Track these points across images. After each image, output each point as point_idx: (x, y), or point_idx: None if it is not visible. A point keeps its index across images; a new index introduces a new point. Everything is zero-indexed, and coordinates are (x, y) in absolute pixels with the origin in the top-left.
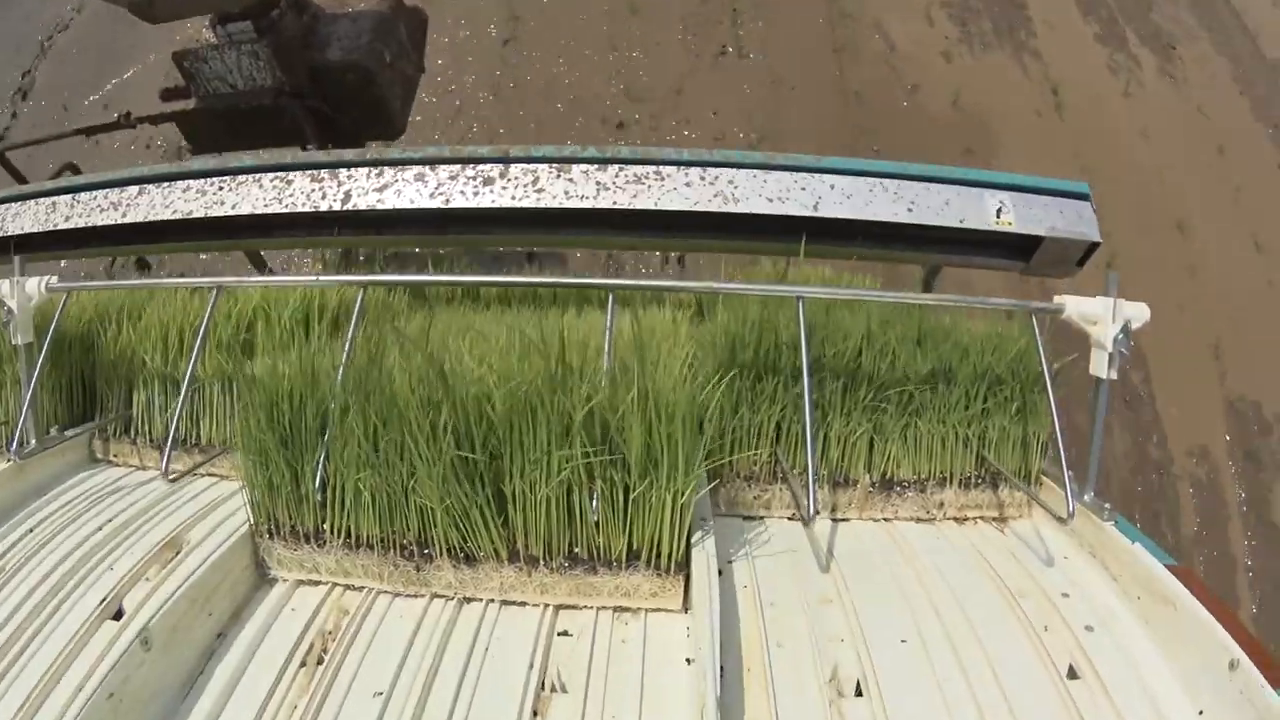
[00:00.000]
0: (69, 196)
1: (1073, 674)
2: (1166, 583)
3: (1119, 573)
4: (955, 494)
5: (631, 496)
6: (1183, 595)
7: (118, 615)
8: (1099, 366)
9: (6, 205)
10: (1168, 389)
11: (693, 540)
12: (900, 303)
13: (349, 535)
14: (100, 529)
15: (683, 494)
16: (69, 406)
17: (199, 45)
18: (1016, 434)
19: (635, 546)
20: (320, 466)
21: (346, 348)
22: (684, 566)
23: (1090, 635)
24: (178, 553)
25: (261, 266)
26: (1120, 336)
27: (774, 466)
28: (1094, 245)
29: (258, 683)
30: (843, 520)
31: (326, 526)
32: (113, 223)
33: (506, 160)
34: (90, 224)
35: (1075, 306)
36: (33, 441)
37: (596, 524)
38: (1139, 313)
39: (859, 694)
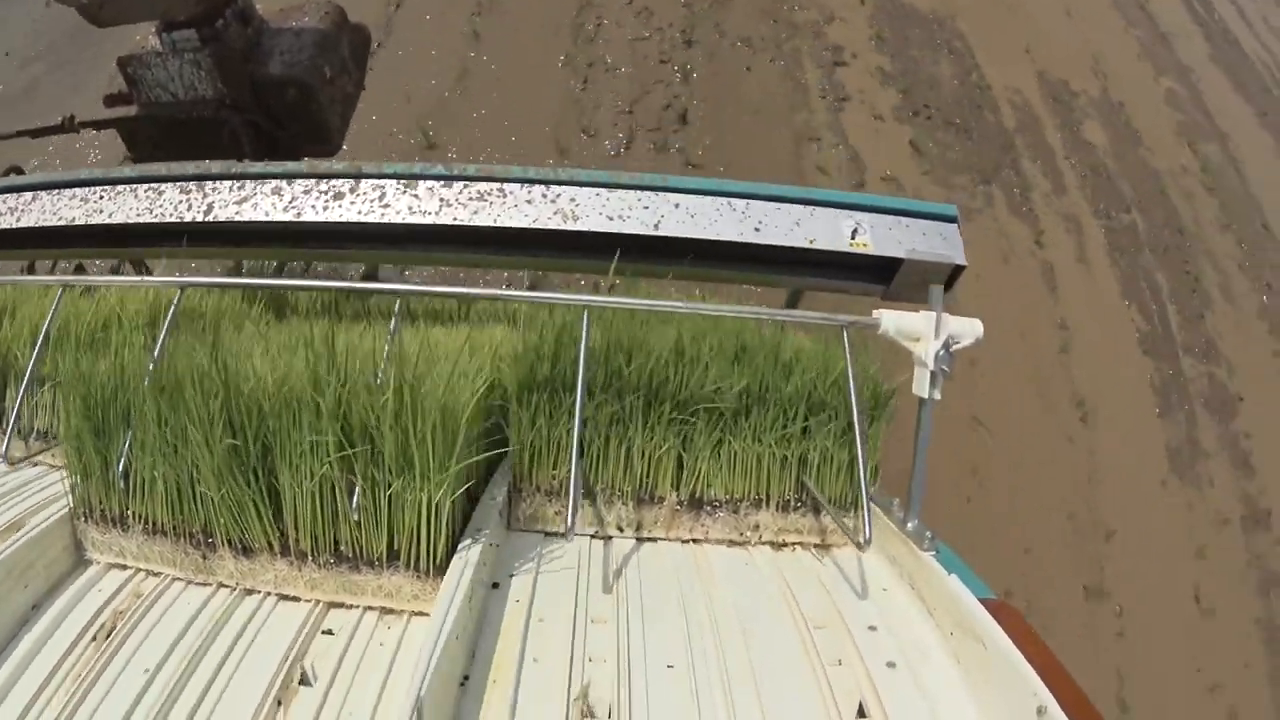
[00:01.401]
0: None
1: (862, 712)
2: (978, 617)
3: (935, 605)
4: (772, 516)
5: (388, 495)
6: (993, 632)
7: None
8: (921, 385)
9: None
10: (986, 52)
11: (460, 546)
12: (717, 315)
13: (148, 522)
14: None
15: (435, 495)
16: None
17: (143, 51)
18: (841, 457)
19: (395, 547)
20: (124, 455)
21: (159, 344)
22: (444, 570)
23: (890, 672)
24: (19, 531)
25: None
26: (942, 353)
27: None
28: (958, 269)
29: (55, 651)
30: (648, 540)
31: (130, 513)
32: (8, 227)
33: (358, 176)
34: None
35: (893, 321)
36: None
37: (358, 522)
38: (968, 329)
39: (609, 717)
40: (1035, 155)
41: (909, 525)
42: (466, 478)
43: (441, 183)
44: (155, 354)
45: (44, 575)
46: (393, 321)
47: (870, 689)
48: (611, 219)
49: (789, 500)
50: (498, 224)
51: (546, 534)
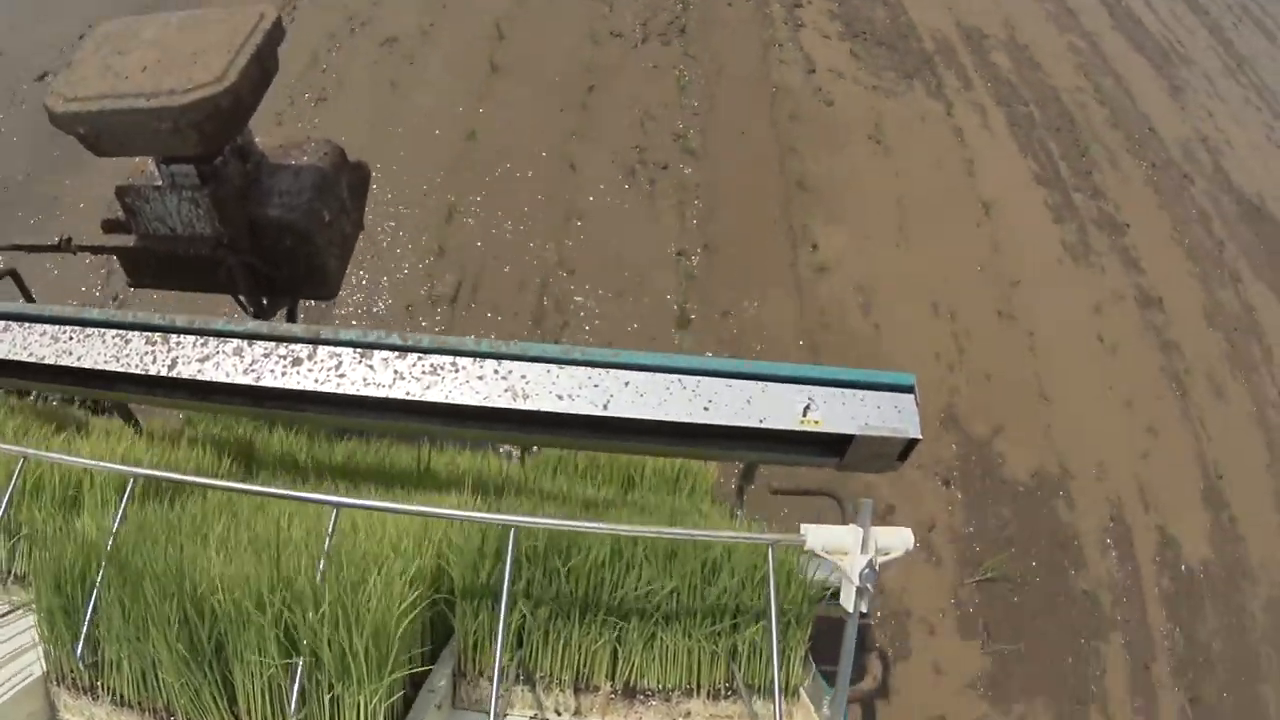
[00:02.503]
0: None
1: None
2: None
3: None
4: (703, 704)
5: (330, 696)
6: None
7: None
8: (847, 600)
9: None
10: (913, 5)
11: None
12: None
13: (116, 695)
14: None
15: (372, 699)
16: None
17: (142, 183)
18: (769, 648)
19: None
20: (84, 637)
21: (114, 527)
22: None
23: None
24: None
25: (128, 416)
26: (867, 571)
27: (516, 668)
28: (913, 441)
29: None
30: None
31: (99, 684)
32: None
33: (315, 342)
34: None
35: (819, 538)
36: None
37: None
38: (897, 540)
39: None
40: (949, 66)
41: None
42: (405, 680)
43: (396, 354)
44: (113, 536)
45: None
46: (327, 541)
47: None
48: (561, 398)
49: (719, 688)
50: (449, 400)
51: (487, 714)
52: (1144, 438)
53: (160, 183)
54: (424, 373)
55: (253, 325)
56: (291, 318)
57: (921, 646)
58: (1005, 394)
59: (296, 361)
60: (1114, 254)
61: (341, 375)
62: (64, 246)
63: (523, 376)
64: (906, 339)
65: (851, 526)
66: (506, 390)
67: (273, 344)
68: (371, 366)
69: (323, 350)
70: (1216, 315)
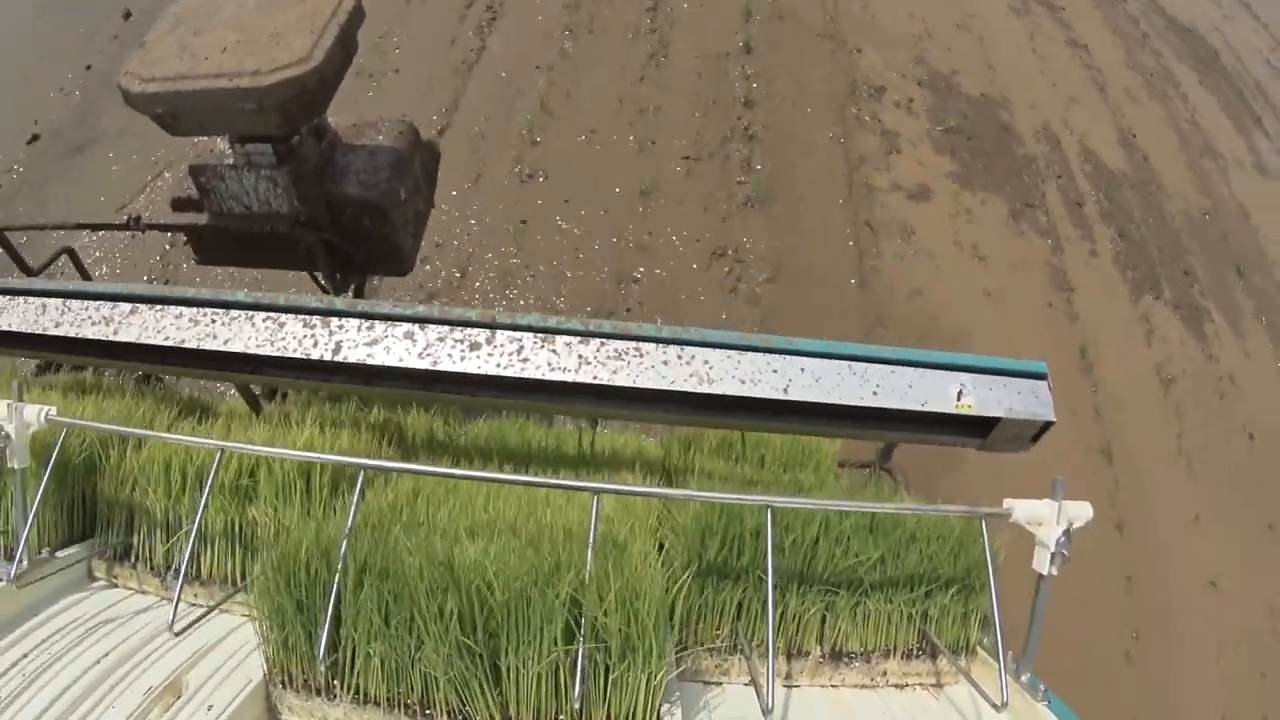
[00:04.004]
0: (60, 302)
1: None
2: None
3: None
4: (898, 664)
5: (611, 677)
6: None
7: None
8: (1041, 563)
9: None
10: None
11: (662, 711)
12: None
13: (358, 692)
14: (99, 661)
15: (655, 676)
16: (69, 522)
17: (217, 162)
18: (957, 611)
19: (613, 718)
20: (326, 634)
21: (349, 523)
22: None
23: None
24: (178, 697)
25: (252, 399)
26: (1063, 539)
27: (734, 640)
28: (1048, 424)
29: None
30: (795, 687)
31: (337, 683)
32: (103, 338)
33: (493, 326)
34: (79, 334)
35: (1023, 511)
36: (26, 563)
37: (580, 709)
38: (1081, 511)
39: None
40: None
41: (1023, 678)
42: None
43: (579, 339)
44: (346, 534)
45: None
46: (592, 519)
47: None
48: (744, 382)
49: (911, 649)
50: (637, 384)
51: (705, 684)
52: (1067, 101)
53: (235, 161)
54: (609, 357)
55: (422, 309)
56: (360, 294)
57: (909, 149)
58: (960, 59)
59: (475, 346)
60: (1050, 19)
61: (525, 360)
62: (133, 225)
63: (706, 362)
64: (891, 25)
65: (1047, 501)
66: (692, 375)
67: (446, 328)
68: (555, 352)
69: (501, 335)
70: (1136, 66)
